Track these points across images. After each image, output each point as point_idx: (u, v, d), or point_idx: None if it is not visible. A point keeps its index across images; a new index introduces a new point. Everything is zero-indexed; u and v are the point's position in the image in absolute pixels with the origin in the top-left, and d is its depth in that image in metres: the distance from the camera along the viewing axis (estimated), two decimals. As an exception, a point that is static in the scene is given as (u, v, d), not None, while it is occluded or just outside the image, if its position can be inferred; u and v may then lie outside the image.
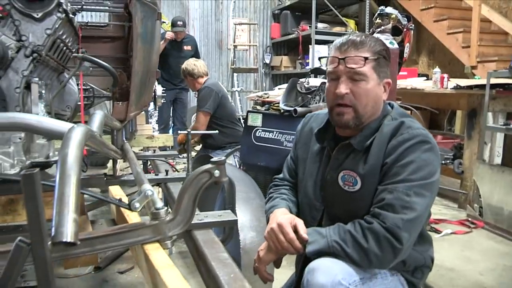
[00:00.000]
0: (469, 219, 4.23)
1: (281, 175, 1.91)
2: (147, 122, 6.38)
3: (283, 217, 1.55)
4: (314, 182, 1.68)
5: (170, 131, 7.44)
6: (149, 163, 3.71)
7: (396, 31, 3.06)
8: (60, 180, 1.07)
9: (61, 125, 1.46)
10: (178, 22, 7.13)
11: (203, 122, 4.46)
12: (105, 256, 3.18)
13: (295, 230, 1.50)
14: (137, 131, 4.41)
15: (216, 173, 1.43)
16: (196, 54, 7.25)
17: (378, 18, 2.98)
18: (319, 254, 1.45)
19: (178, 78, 6.64)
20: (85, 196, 2.51)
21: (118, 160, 2.77)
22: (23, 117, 1.43)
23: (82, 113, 2.40)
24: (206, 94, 4.46)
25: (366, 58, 1.50)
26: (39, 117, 1.49)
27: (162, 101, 6.61)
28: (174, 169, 3.29)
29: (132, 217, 1.68)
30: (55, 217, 1.04)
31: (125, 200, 1.68)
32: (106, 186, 2.68)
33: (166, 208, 1.46)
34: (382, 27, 2.94)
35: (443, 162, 4.89)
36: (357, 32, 1.72)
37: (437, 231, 3.90)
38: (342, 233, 1.44)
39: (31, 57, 1.85)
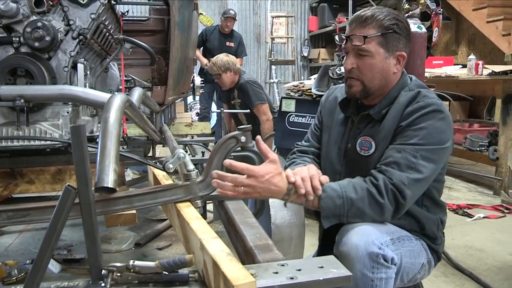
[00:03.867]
0: (504, 204, 4.22)
1: (305, 142, 1.98)
2: (186, 111, 6.57)
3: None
4: (338, 148, 1.78)
5: (211, 123, 7.57)
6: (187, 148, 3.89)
7: (425, 16, 3.11)
8: (103, 136, 1.23)
9: (105, 96, 1.63)
10: (231, 11, 7.32)
11: (268, 111, 4.61)
12: (145, 234, 3.37)
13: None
14: (176, 118, 4.59)
15: (243, 138, 1.56)
16: (238, 51, 7.36)
17: (406, 4, 3.04)
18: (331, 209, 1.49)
19: None
20: (125, 172, 2.69)
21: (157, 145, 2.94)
22: (71, 88, 1.61)
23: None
24: (255, 88, 4.61)
25: (365, 37, 1.58)
26: (84, 89, 1.66)
27: (201, 91, 6.80)
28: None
29: (165, 182, 1.83)
30: (98, 166, 1.20)
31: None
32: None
33: (196, 170, 1.60)
34: (410, 12, 3.00)
35: (478, 149, 4.88)
36: (372, 6, 1.72)
37: (469, 216, 3.92)
38: (359, 190, 1.49)
39: (77, 39, 2.05)
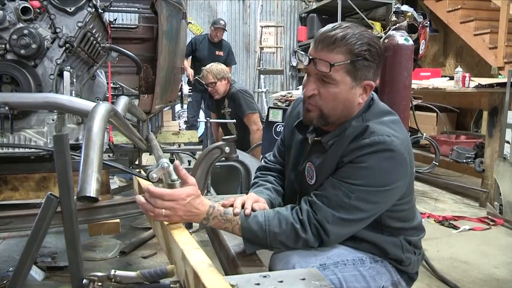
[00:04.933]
0: (489, 216, 4.25)
1: (271, 156, 1.88)
2: (174, 119, 6.58)
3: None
4: (296, 170, 1.68)
5: (199, 131, 7.57)
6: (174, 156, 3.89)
7: (412, 29, 3.15)
8: (86, 145, 1.23)
9: (90, 104, 1.63)
10: (221, 21, 7.36)
11: (258, 121, 4.60)
12: (130, 242, 3.35)
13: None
14: (163, 127, 4.59)
15: (227, 149, 1.57)
16: (228, 59, 7.40)
17: (394, 16, 3.08)
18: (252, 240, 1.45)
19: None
20: (110, 180, 2.68)
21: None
22: (56, 97, 1.60)
23: (110, 101, 2.57)
24: (246, 97, 4.59)
25: (332, 65, 1.40)
26: (70, 97, 1.66)
27: (189, 99, 6.80)
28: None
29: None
30: (80, 175, 1.20)
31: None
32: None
33: (180, 180, 1.60)
34: (398, 25, 3.04)
35: (464, 161, 4.92)
36: (344, 23, 1.53)
37: (455, 227, 3.94)
38: (283, 224, 1.43)
39: (64, 47, 2.06)
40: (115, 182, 4.71)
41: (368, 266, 1.53)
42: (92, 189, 1.17)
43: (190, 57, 7.35)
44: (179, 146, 3.94)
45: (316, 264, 1.41)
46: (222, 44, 7.49)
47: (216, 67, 4.72)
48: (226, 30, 7.50)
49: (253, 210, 1.47)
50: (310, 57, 1.46)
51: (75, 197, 1.16)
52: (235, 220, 1.45)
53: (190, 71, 7.08)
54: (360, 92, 1.48)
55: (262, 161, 1.93)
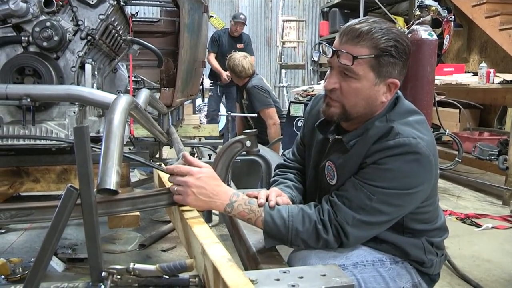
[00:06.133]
0: (512, 215, 4.17)
1: (290, 154, 1.86)
2: (194, 113, 6.59)
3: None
4: (316, 168, 1.65)
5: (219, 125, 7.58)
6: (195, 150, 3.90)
7: (436, 23, 3.09)
8: (106, 138, 1.23)
9: (111, 97, 1.62)
10: (241, 16, 7.33)
11: (274, 115, 4.59)
12: (149, 235, 3.37)
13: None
14: (184, 120, 4.60)
15: (248, 143, 1.55)
16: (247, 51, 7.15)
17: (417, 10, 3.03)
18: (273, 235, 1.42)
19: None
20: (131, 173, 2.69)
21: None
22: (77, 89, 1.61)
23: (131, 94, 2.58)
24: (260, 92, 4.59)
25: (355, 58, 1.37)
26: (91, 89, 1.66)
27: (210, 93, 6.83)
28: (217, 154, 3.45)
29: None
30: (101, 168, 1.20)
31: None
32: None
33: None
34: (422, 19, 2.99)
35: (487, 158, 4.84)
36: (371, 18, 1.47)
37: (477, 225, 3.88)
38: (307, 222, 1.41)
39: (85, 40, 2.06)
40: (136, 175, 4.75)
41: (388, 267, 1.51)
42: (112, 182, 1.17)
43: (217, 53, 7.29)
44: (200, 140, 3.94)
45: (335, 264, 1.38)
46: (241, 36, 7.47)
47: (231, 62, 4.76)
48: (246, 25, 7.47)
49: (276, 204, 1.45)
50: (334, 49, 1.41)
51: (95, 190, 1.16)
52: (258, 212, 1.42)
53: (224, 73, 6.87)
54: (384, 90, 1.44)
55: (282, 159, 1.89)
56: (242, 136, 1.56)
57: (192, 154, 3.84)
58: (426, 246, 1.56)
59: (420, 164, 1.37)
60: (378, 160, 1.38)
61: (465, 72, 6.02)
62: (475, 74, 6.22)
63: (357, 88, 1.41)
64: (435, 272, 1.63)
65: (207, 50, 7.08)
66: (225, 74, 6.81)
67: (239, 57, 4.74)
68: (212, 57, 7.21)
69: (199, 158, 2.91)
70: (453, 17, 3.01)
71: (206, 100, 7.05)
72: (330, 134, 1.59)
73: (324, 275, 1.15)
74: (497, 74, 4.61)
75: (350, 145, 1.47)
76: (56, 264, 2.67)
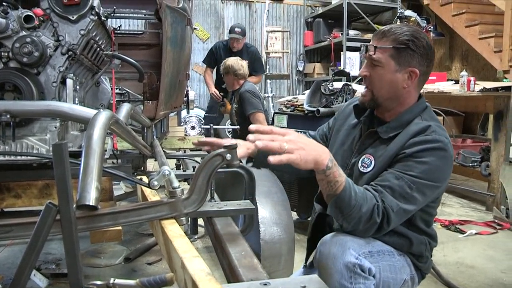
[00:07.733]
0: (496, 220, 4.22)
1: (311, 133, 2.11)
2: (179, 125, 6.57)
3: None
4: (343, 151, 1.84)
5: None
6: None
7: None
8: (86, 154, 1.23)
9: (91, 112, 1.63)
10: (236, 29, 6.18)
11: (262, 121, 4.65)
12: (135, 248, 3.35)
13: None
14: (168, 132, 4.59)
15: (228, 156, 1.55)
16: (253, 68, 6.24)
17: (398, 21, 3.08)
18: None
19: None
20: (116, 186, 2.68)
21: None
22: (57, 105, 1.61)
23: (113, 110, 2.58)
24: (253, 97, 4.65)
25: (375, 47, 1.67)
26: (71, 105, 1.67)
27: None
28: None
29: (153, 198, 1.83)
30: (80, 184, 1.20)
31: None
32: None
33: (182, 188, 1.60)
34: (402, 29, 3.03)
35: (470, 164, 4.90)
36: (401, 23, 2.06)
37: (461, 232, 3.92)
38: (369, 202, 1.51)
39: (66, 55, 2.06)
40: (122, 188, 4.72)
41: (397, 258, 1.67)
42: (91, 198, 1.17)
43: (214, 69, 6.44)
44: (185, 152, 3.92)
45: (366, 251, 1.54)
46: (243, 51, 6.33)
47: (230, 62, 4.83)
48: (244, 37, 6.34)
49: None
50: (365, 45, 1.77)
51: (74, 206, 1.16)
52: (344, 180, 1.49)
53: (212, 87, 6.18)
54: (404, 77, 1.68)
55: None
56: (222, 150, 1.56)
57: (178, 166, 3.84)
58: (427, 244, 1.75)
59: (447, 162, 1.62)
60: (415, 152, 1.58)
61: (447, 80, 6.09)
62: (457, 82, 6.32)
63: (380, 74, 1.69)
64: (426, 270, 1.80)
65: (202, 64, 6.77)
66: (212, 89, 6.17)
67: (236, 58, 4.92)
68: (208, 72, 6.51)
69: (184, 170, 2.91)
70: (432, 27, 3.06)
71: (191, 111, 6.77)
72: (364, 121, 1.82)
73: (304, 287, 1.16)
74: (477, 82, 4.68)
75: (388, 136, 1.69)
76: (39, 280, 2.64)
